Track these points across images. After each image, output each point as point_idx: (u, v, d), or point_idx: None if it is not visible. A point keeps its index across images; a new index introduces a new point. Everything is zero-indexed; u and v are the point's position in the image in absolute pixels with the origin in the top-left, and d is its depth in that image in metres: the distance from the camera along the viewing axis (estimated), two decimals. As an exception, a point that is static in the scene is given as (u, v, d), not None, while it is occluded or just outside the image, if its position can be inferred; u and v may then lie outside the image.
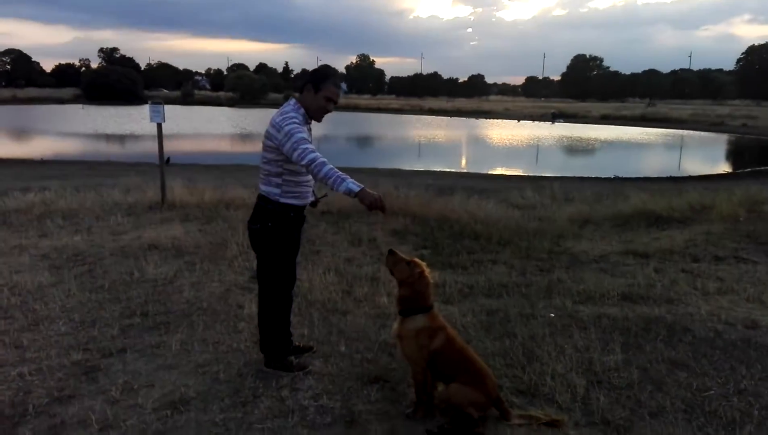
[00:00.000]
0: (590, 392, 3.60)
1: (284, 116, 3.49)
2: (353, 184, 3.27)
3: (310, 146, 3.40)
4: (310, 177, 3.63)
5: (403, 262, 3.36)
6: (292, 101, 3.63)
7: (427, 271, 3.36)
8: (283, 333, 3.94)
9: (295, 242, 3.82)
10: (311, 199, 3.80)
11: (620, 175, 18.93)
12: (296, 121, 3.47)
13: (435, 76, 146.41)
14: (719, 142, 38.54)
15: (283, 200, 3.62)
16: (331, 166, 3.33)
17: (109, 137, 32.41)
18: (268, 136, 3.54)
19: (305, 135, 3.44)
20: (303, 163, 3.36)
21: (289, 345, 4.03)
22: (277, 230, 3.68)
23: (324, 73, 3.63)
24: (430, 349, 3.24)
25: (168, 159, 19.03)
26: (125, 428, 3.19)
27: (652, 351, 4.22)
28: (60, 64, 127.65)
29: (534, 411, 3.33)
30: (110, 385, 3.66)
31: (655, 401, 3.53)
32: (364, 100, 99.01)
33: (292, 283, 3.92)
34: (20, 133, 35.12)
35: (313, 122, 3.72)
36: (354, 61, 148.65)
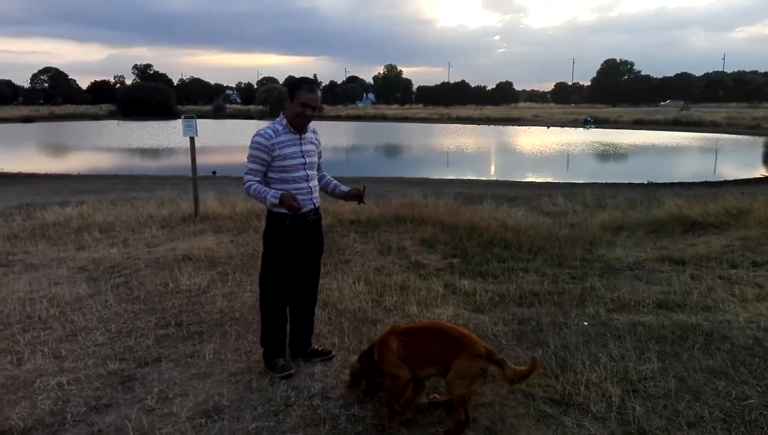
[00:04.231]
0: (626, 401, 3.54)
1: (255, 137, 3.78)
2: (273, 198, 3.61)
3: (252, 175, 3.76)
4: (305, 185, 3.85)
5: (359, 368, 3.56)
6: (281, 114, 3.88)
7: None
8: (275, 335, 4.03)
9: (295, 251, 3.91)
10: (310, 207, 3.89)
11: (654, 181, 18.58)
12: (261, 135, 3.76)
13: (463, 84, 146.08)
14: (756, 145, 37.56)
15: (275, 209, 3.76)
16: (257, 186, 3.70)
17: (143, 151, 33.10)
18: None
19: (256, 164, 3.76)
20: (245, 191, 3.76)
21: (302, 346, 4.21)
22: (273, 238, 3.87)
23: (297, 81, 3.87)
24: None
25: (214, 172, 19.52)
26: (161, 436, 3.25)
27: (689, 359, 4.13)
28: (95, 81, 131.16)
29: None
30: (146, 394, 3.73)
31: (692, 410, 3.45)
32: (392, 109, 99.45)
33: (286, 292, 4.00)
34: (58, 148, 36.18)
35: (318, 132, 4.08)
36: (382, 72, 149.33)
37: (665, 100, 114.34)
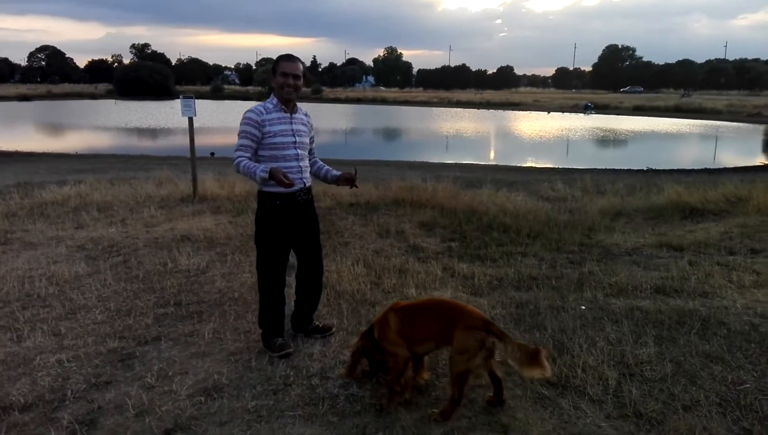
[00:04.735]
0: (622, 385, 3.56)
1: (246, 113, 3.83)
2: (262, 172, 3.62)
3: (242, 151, 3.76)
4: (295, 163, 3.87)
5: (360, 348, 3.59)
6: (271, 95, 3.95)
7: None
8: (273, 316, 4.06)
9: (287, 231, 3.93)
10: (300, 186, 3.89)
11: (654, 167, 18.57)
12: (251, 111, 3.81)
13: (463, 68, 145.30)
14: (756, 133, 37.49)
15: (265, 189, 3.80)
16: (246, 162, 3.70)
17: (141, 131, 32.96)
18: None
19: (247, 141, 3.78)
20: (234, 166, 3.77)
21: (303, 324, 4.28)
22: (264, 218, 3.88)
23: (277, 58, 3.91)
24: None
25: (212, 153, 19.46)
26: (160, 413, 3.27)
27: (685, 344, 4.15)
28: (93, 60, 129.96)
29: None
30: (145, 371, 3.75)
31: (688, 394, 3.48)
32: (392, 92, 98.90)
33: (281, 272, 4.02)
34: (55, 127, 35.97)
35: (312, 114, 4.14)
36: (382, 54, 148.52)
37: (666, 88, 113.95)
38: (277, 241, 3.92)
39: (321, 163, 4.23)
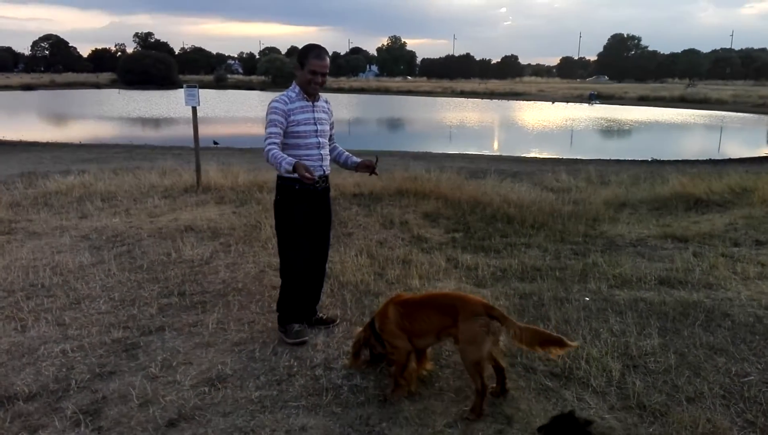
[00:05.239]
0: (626, 376, 3.56)
1: (272, 103, 3.83)
2: (287, 164, 3.56)
3: (273, 139, 3.73)
4: (316, 151, 3.91)
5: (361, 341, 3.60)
6: (293, 83, 3.92)
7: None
8: (293, 301, 4.08)
9: (305, 216, 3.95)
10: (319, 173, 3.92)
11: (658, 158, 18.48)
12: (277, 100, 3.83)
13: (467, 57, 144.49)
14: (761, 123, 37.28)
15: (286, 175, 3.77)
16: (276, 151, 3.66)
17: (145, 121, 32.94)
18: None
19: (276, 115, 3.77)
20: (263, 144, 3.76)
21: (307, 314, 4.24)
22: (283, 204, 3.92)
23: (305, 49, 3.89)
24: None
25: (216, 142, 19.47)
26: (164, 403, 3.28)
27: (689, 336, 4.14)
28: (96, 49, 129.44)
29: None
30: (149, 362, 3.76)
31: (692, 386, 3.47)
32: (396, 82, 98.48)
33: (301, 256, 4.02)
34: (59, 117, 35.96)
35: (330, 101, 4.15)
36: (385, 43, 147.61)
37: (672, 78, 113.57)
38: (297, 225, 3.95)
39: (341, 149, 4.25)
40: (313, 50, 3.83)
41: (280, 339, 4.08)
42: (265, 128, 3.79)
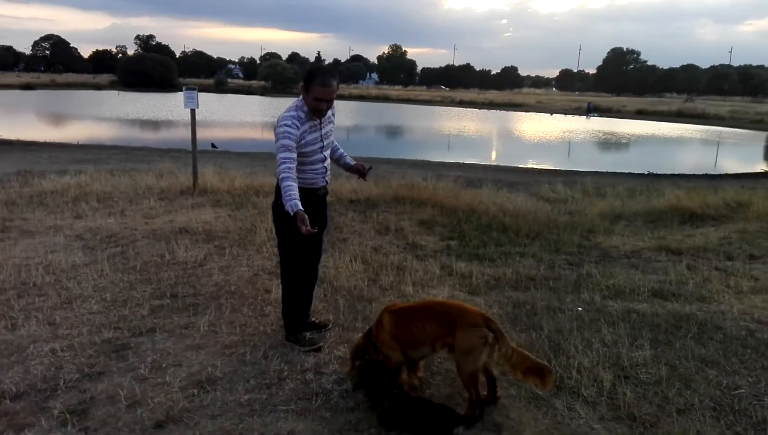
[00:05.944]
0: (617, 387, 3.56)
1: (283, 116, 3.70)
2: (289, 208, 3.48)
3: (287, 154, 3.60)
4: (320, 165, 3.87)
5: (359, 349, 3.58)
6: (299, 98, 3.78)
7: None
8: (298, 308, 4.07)
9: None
10: (322, 184, 3.93)
11: (654, 172, 18.54)
12: (289, 124, 3.64)
13: (467, 67, 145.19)
14: (758, 140, 37.42)
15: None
16: (290, 183, 3.55)
17: (143, 123, 32.91)
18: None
19: (290, 141, 3.62)
20: (277, 167, 3.64)
21: (305, 320, 4.18)
22: (282, 207, 3.76)
23: (311, 74, 3.71)
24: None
25: (214, 145, 19.48)
26: (153, 405, 3.26)
27: (681, 348, 4.14)
28: (97, 50, 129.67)
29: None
30: (139, 363, 3.74)
31: (683, 398, 3.47)
32: (395, 90, 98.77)
33: (303, 261, 4.01)
34: (57, 117, 35.93)
35: (331, 114, 3.94)
36: (386, 52, 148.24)
37: (670, 92, 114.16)
38: (299, 233, 3.88)
39: (336, 144, 4.21)
40: (318, 77, 3.64)
41: (272, 344, 4.06)
42: (278, 149, 3.64)
